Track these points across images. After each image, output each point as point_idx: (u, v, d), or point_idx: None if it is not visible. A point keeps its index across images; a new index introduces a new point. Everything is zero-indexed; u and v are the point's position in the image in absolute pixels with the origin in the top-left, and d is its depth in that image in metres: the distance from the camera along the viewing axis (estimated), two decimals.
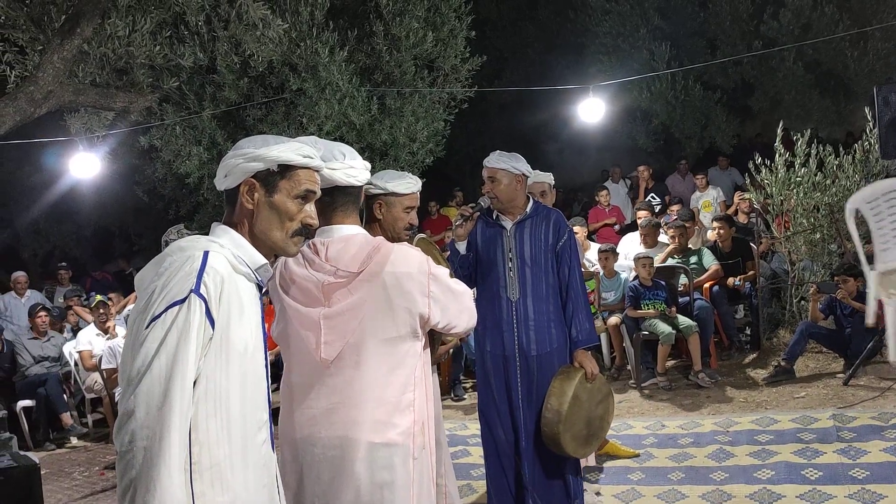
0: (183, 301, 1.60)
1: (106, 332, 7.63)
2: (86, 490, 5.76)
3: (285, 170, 1.82)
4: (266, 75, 7.18)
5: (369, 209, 2.77)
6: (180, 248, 1.70)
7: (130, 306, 7.57)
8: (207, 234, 1.81)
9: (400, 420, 2.21)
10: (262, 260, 1.79)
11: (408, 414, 2.22)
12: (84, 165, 7.49)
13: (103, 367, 7.14)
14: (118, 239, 13.48)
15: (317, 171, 1.91)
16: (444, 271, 2.33)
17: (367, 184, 2.61)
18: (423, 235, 3.18)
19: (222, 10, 6.43)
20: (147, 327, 1.58)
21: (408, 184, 2.76)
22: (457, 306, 2.33)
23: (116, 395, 6.66)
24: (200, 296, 1.61)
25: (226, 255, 1.72)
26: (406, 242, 2.53)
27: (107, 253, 13.62)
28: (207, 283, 1.63)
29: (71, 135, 7.28)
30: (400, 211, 2.75)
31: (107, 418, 7.37)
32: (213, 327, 1.64)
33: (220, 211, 7.82)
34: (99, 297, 8.00)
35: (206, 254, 1.67)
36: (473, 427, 5.59)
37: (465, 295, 2.39)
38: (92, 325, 7.85)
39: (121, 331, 7.46)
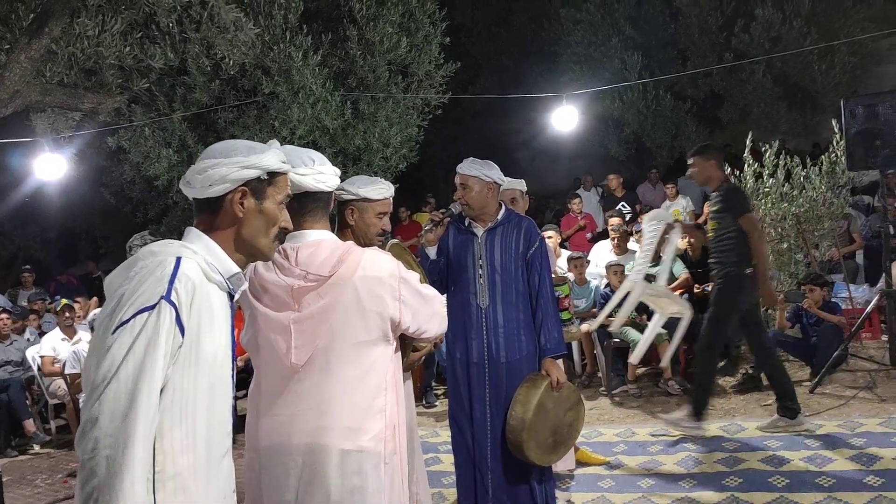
0: (153, 307, 1.56)
1: (71, 336, 7.48)
2: (48, 497, 5.64)
3: (271, 176, 1.82)
4: (238, 78, 7.12)
5: (341, 215, 2.75)
6: (151, 252, 1.66)
7: (95, 310, 7.44)
8: (176, 237, 1.78)
9: (371, 425, 2.19)
10: (235, 268, 1.77)
11: (379, 419, 2.21)
12: (50, 167, 7.36)
13: (67, 371, 7.00)
14: (84, 242, 13.26)
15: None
16: (414, 276, 2.33)
17: (339, 189, 2.60)
18: (395, 241, 3.17)
19: (194, 12, 6.36)
20: (114, 332, 1.54)
21: (380, 189, 2.75)
22: (427, 311, 2.33)
23: (81, 400, 6.54)
24: (171, 302, 1.58)
25: (198, 261, 1.69)
26: (378, 248, 2.52)
27: (72, 256, 13.38)
28: (179, 290, 1.60)
29: (37, 135, 7.15)
30: (372, 216, 2.73)
31: (70, 424, 7.23)
32: (182, 335, 1.60)
33: (189, 214, 7.74)
34: (65, 301, 7.85)
35: (178, 259, 1.63)
36: (445, 434, 5.57)
37: (435, 300, 2.39)
38: (57, 329, 7.70)
39: (85, 335, 7.33)
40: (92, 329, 7.02)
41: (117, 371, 1.51)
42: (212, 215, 1.78)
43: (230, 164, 1.76)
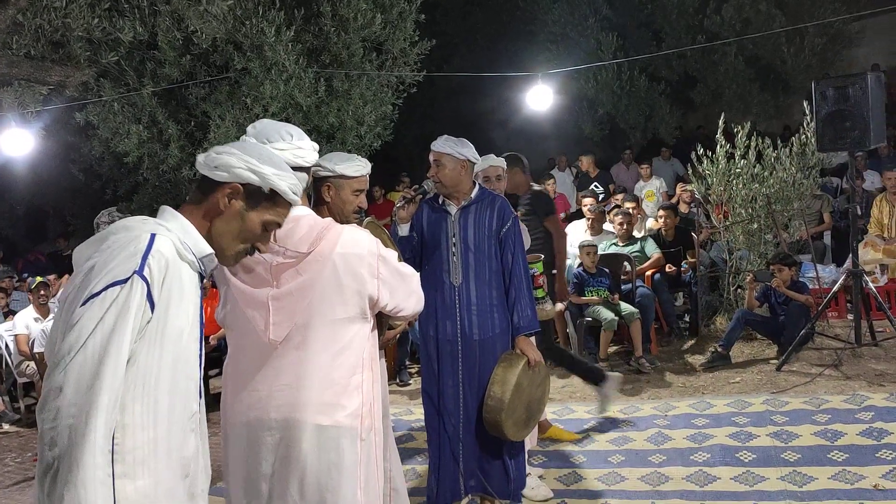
0: (125, 281, 1.55)
1: (45, 315, 7.38)
2: (18, 476, 5.59)
3: (273, 195, 1.81)
4: (210, 53, 6.99)
5: (317, 191, 2.73)
6: (126, 227, 1.65)
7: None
8: (147, 215, 1.77)
9: (348, 402, 2.20)
10: (208, 249, 1.76)
11: (356, 396, 2.22)
12: (17, 142, 7.20)
13: (35, 350, 6.91)
14: (52, 219, 13.04)
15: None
16: (392, 254, 2.33)
17: (315, 166, 2.58)
18: (371, 219, 3.16)
19: None
20: (83, 304, 1.54)
21: (357, 166, 2.74)
22: (405, 289, 2.34)
23: None
24: (143, 278, 1.58)
25: (172, 239, 1.68)
26: (355, 225, 2.51)
27: (40, 233, 13.16)
28: (152, 266, 1.60)
29: (3, 110, 6.99)
30: (349, 193, 2.72)
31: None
32: (152, 311, 1.60)
33: (159, 192, 7.58)
34: (39, 279, 7.74)
35: (153, 236, 1.63)
36: (418, 412, 5.59)
37: (413, 278, 2.40)
38: (30, 308, 7.58)
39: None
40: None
41: (85, 342, 1.51)
42: (202, 196, 1.79)
43: (242, 158, 1.77)
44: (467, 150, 3.62)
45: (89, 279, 1.57)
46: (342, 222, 2.53)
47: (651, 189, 10.02)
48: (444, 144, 3.60)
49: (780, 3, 10.74)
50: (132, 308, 1.55)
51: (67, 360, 1.50)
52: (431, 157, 3.63)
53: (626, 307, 6.51)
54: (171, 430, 1.66)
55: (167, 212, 1.77)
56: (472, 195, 3.69)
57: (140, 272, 1.57)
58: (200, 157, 1.81)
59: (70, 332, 1.52)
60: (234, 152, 1.77)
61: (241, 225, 1.79)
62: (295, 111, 7.16)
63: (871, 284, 6.09)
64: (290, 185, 1.82)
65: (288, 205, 1.86)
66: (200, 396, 1.78)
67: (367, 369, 2.27)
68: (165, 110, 7.19)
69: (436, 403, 3.71)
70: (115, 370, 1.52)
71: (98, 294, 1.54)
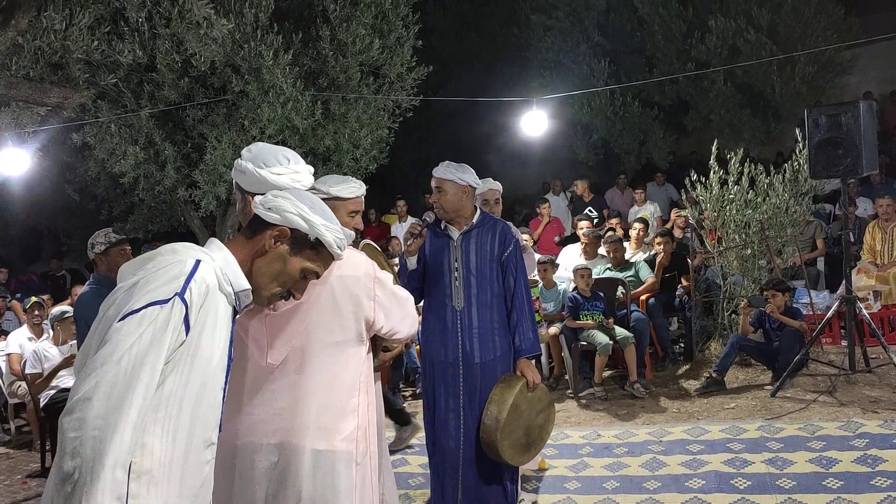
0: (165, 302, 1.60)
1: (39, 335, 7.36)
2: (7, 499, 5.53)
3: (318, 245, 1.87)
4: (208, 76, 7.02)
5: None
6: (173, 250, 1.71)
7: (56, 309, 7.31)
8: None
9: (344, 425, 2.20)
10: (245, 284, 1.80)
11: (351, 419, 2.21)
12: (13, 162, 7.20)
13: (27, 371, 6.86)
14: (47, 239, 13.01)
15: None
16: (388, 276, 2.34)
17: (310, 189, 2.59)
18: (368, 241, 3.17)
19: (164, 8, 6.28)
20: (122, 319, 1.57)
21: (352, 188, 2.76)
22: (400, 312, 2.34)
23: (41, 401, 6.42)
24: (184, 301, 1.62)
25: (215, 269, 1.73)
26: (351, 247, 2.52)
27: (34, 254, 13.12)
28: (193, 291, 1.64)
29: (0, 130, 6.99)
30: (344, 215, 2.74)
31: (30, 425, 7.08)
32: (186, 334, 1.64)
33: (154, 213, 7.53)
34: (34, 299, 7.73)
35: (198, 262, 1.69)
36: (414, 436, 5.58)
37: (408, 301, 2.41)
38: (24, 328, 7.57)
39: (49, 334, 7.20)
40: (52, 327, 6.91)
41: (120, 357, 1.54)
42: (251, 234, 1.85)
43: (295, 205, 1.83)
44: (468, 175, 3.66)
45: (130, 295, 1.61)
46: None
47: (646, 214, 10.07)
48: (445, 170, 3.64)
49: (770, 31, 10.84)
50: (169, 329, 1.59)
51: (100, 372, 1.52)
52: (433, 184, 3.66)
53: (620, 331, 6.51)
54: (187, 456, 1.67)
55: (214, 243, 1.82)
56: (474, 220, 3.72)
57: (181, 295, 1.62)
58: (258, 198, 1.87)
59: (105, 345, 1.55)
60: (290, 198, 1.84)
61: (282, 268, 1.85)
62: (291, 134, 7.18)
63: (864, 311, 6.11)
64: (335, 238, 1.88)
65: (330, 257, 1.90)
66: (220, 429, 1.78)
67: (362, 393, 2.27)
68: (162, 132, 7.20)
69: (437, 427, 3.71)
70: (147, 388, 1.55)
71: (138, 311, 1.58)
